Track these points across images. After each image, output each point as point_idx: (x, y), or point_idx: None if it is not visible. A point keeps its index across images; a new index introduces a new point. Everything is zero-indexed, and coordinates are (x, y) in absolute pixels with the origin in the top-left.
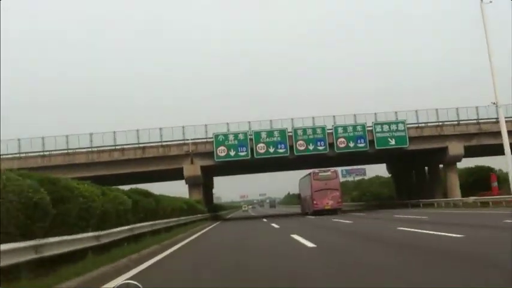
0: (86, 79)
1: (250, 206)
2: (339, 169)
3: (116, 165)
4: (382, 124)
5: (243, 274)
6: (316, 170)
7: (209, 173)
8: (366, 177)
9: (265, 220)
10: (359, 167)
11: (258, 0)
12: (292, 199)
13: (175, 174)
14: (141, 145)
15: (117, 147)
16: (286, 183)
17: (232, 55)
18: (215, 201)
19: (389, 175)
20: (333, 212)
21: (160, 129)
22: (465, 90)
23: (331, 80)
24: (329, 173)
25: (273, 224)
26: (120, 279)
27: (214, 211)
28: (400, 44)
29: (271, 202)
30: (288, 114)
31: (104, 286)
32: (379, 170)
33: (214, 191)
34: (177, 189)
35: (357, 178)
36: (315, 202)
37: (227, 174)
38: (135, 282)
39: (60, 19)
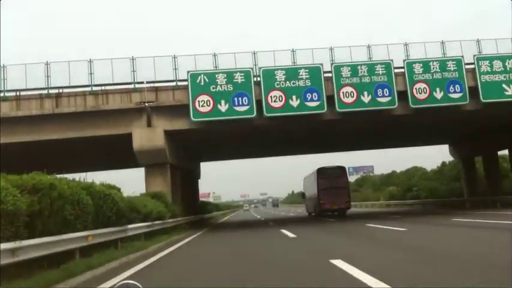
0: None
1: (253, 205)
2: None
3: (6, 127)
4: (491, 59)
5: None
6: (322, 167)
7: (187, 149)
8: (373, 174)
9: (289, 235)
10: (367, 149)
11: None
12: (296, 198)
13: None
14: (52, 90)
15: (8, 93)
16: (287, 182)
17: None
18: (214, 200)
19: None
20: (340, 212)
21: (90, 61)
22: None
23: None
24: (337, 170)
25: (337, 263)
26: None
27: (201, 212)
28: None
29: (274, 201)
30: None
31: (101, 286)
32: (387, 167)
33: (213, 190)
34: None
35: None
36: (321, 202)
37: (216, 158)
38: (135, 282)
39: None
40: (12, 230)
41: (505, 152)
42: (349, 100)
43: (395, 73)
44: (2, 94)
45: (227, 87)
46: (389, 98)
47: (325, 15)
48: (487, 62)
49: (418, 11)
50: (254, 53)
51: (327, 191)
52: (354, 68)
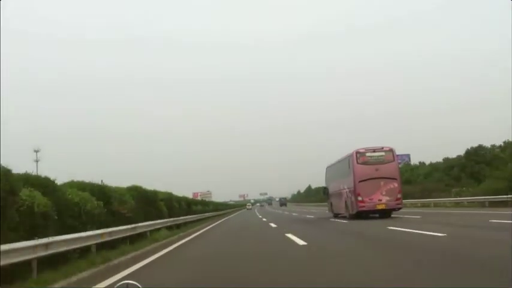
0: None
1: (258, 204)
2: None
3: None
4: None
5: None
6: (361, 149)
7: None
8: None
9: None
10: None
11: None
12: (318, 194)
13: None
14: None
15: None
16: (289, 182)
17: None
18: (204, 198)
19: None
20: (385, 213)
21: None
22: None
23: None
24: (382, 152)
25: None
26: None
27: None
28: None
29: (282, 200)
30: None
31: (99, 285)
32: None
33: (208, 189)
34: None
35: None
36: (360, 199)
37: None
38: (135, 283)
39: None
40: None
41: None
42: None
43: None
44: None
45: None
46: None
47: None
48: None
49: None
50: None
51: (368, 183)
52: None
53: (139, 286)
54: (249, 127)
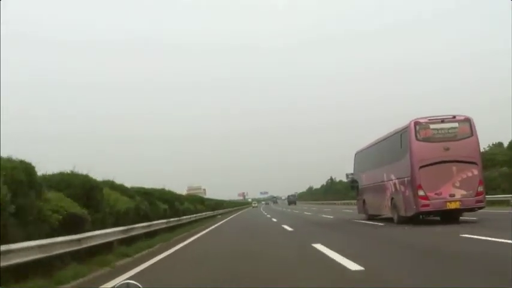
0: None
1: (263, 203)
2: None
3: None
4: None
5: None
6: (422, 118)
7: None
8: None
9: None
10: None
11: None
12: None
13: None
14: None
15: None
16: (290, 181)
17: None
18: (193, 192)
19: None
20: (452, 217)
21: None
22: None
23: None
24: (454, 123)
25: None
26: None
27: None
28: None
29: (290, 198)
30: None
31: (103, 286)
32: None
33: (210, 190)
34: None
35: None
36: (421, 194)
37: None
38: (135, 282)
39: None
40: None
41: None
42: None
43: None
44: None
45: None
46: None
47: None
48: None
49: None
50: None
51: (435, 169)
52: None
53: (140, 286)
54: (249, 127)
